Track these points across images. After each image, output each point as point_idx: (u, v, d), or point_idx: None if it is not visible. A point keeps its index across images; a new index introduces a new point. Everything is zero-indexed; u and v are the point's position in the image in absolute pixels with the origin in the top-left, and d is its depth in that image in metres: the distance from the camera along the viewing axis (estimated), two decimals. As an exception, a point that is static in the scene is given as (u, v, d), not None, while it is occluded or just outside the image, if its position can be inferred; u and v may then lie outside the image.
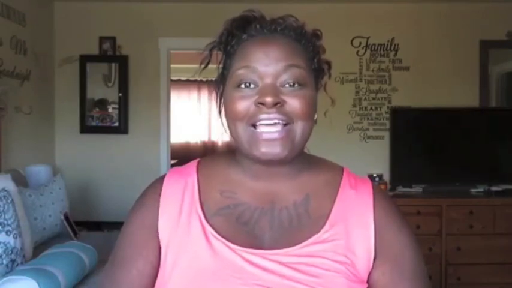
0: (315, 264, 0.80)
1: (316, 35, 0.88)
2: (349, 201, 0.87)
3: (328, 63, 0.90)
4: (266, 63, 0.81)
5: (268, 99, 0.79)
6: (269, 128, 0.80)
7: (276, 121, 0.80)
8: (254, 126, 0.81)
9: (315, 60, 0.86)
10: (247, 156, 0.84)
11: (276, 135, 0.80)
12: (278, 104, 0.79)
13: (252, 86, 0.81)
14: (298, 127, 0.81)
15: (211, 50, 0.88)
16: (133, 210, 0.90)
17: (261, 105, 0.79)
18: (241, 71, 0.82)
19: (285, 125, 0.80)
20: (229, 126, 0.85)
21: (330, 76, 0.90)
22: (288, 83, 0.81)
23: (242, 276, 0.79)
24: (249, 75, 0.81)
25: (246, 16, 0.86)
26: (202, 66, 0.89)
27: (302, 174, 0.88)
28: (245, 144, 0.82)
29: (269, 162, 0.82)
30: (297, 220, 0.85)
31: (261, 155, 0.80)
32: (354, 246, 0.82)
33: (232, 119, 0.83)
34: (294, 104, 0.80)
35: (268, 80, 0.81)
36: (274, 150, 0.80)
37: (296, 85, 0.81)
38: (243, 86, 0.82)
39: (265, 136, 0.80)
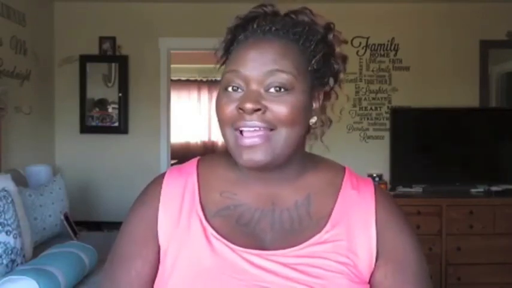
0: (317, 265, 0.79)
1: (329, 28, 0.85)
2: (351, 201, 0.86)
3: (343, 58, 0.87)
4: (252, 68, 0.80)
5: (248, 106, 0.77)
6: (250, 134, 0.79)
7: (256, 128, 0.78)
8: (239, 131, 0.80)
9: (313, 62, 0.83)
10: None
11: (256, 142, 0.78)
12: (259, 111, 0.78)
13: (239, 90, 0.80)
14: (282, 134, 0.79)
15: (224, 49, 0.87)
16: (133, 208, 0.89)
17: (241, 111, 0.78)
18: (228, 75, 0.82)
19: (269, 130, 0.79)
20: (219, 128, 0.84)
21: (345, 71, 0.88)
22: (273, 87, 0.79)
23: (243, 277, 0.78)
24: (235, 79, 0.80)
25: (252, 13, 0.84)
26: (218, 65, 0.88)
27: (303, 175, 0.88)
28: (231, 149, 0.82)
29: (253, 169, 0.82)
30: (298, 221, 0.84)
31: (243, 162, 0.80)
32: (356, 247, 0.82)
33: (219, 122, 0.83)
34: (277, 109, 0.78)
35: (252, 85, 0.79)
36: (255, 157, 0.79)
37: (282, 90, 0.79)
38: (230, 89, 0.81)
39: (247, 142, 0.79)
